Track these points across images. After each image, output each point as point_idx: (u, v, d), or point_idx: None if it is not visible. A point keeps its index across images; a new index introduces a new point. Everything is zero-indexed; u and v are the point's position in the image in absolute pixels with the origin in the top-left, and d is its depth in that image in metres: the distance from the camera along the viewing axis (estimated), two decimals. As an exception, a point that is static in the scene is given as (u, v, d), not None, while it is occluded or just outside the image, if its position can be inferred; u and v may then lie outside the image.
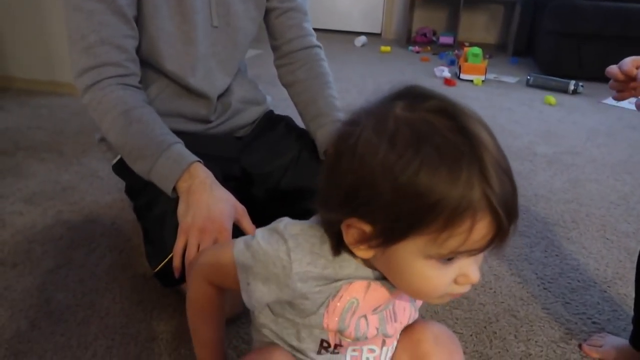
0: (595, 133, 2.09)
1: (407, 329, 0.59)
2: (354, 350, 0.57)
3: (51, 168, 1.57)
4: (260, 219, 0.98)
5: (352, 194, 0.45)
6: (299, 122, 1.16)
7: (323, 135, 1.04)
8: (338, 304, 0.52)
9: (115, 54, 0.90)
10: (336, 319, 0.52)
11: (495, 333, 0.94)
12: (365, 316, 0.54)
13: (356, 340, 0.55)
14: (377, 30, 4.32)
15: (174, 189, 0.88)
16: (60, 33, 2.29)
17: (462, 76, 2.86)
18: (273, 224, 0.54)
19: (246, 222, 0.90)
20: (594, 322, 0.98)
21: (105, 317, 0.94)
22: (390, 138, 0.43)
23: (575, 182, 1.61)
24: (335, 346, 0.55)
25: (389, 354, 0.59)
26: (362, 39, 3.87)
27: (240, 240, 0.55)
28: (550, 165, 1.73)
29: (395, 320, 0.57)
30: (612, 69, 0.77)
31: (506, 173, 0.43)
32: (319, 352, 0.56)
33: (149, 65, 0.99)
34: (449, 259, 0.45)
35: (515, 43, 3.64)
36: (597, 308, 1.03)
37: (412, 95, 0.46)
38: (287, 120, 1.20)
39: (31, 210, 1.31)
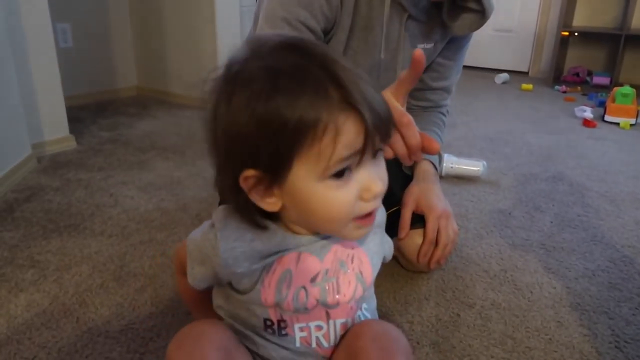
0: None
1: (352, 327, 0.58)
2: (301, 330, 0.57)
3: (170, 165, 1.80)
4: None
5: (229, 149, 0.48)
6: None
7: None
8: (272, 277, 0.54)
9: None
10: (272, 291, 0.54)
11: (535, 381, 0.83)
12: (304, 288, 0.55)
13: (296, 312, 0.55)
14: (525, 69, 4.10)
15: None
16: (211, 55, 2.63)
17: (607, 118, 2.56)
18: None
19: None
20: (671, 397, 0.81)
21: (158, 288, 1.05)
22: (243, 83, 0.46)
23: None
24: (279, 323, 0.56)
25: (339, 330, 0.58)
26: (504, 76, 3.70)
27: (193, 232, 0.60)
28: (684, 220, 1.46)
29: (339, 292, 0.57)
30: None
31: (362, 78, 0.46)
32: (265, 330, 0.58)
33: None
34: (340, 174, 0.47)
35: (688, 87, 3.15)
36: (683, 383, 0.84)
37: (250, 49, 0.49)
38: None
39: (141, 197, 1.53)
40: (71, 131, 2.02)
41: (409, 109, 1.20)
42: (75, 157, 1.87)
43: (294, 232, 0.54)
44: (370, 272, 0.60)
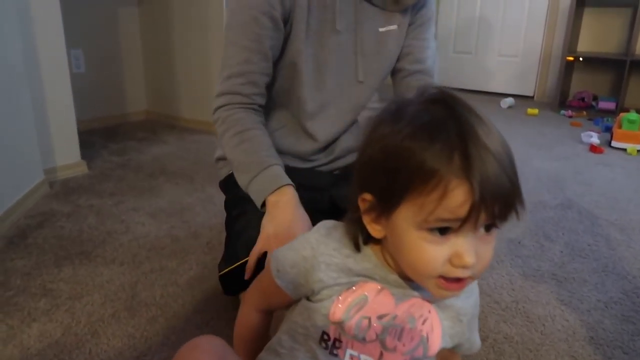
0: None
1: None
2: (351, 358, 0.58)
3: (180, 191, 1.81)
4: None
5: (360, 168, 0.54)
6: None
7: None
8: (349, 295, 0.56)
9: (248, 88, 1.04)
10: (343, 308, 0.56)
11: (551, 419, 0.82)
12: (369, 319, 0.56)
13: (354, 337, 0.56)
14: (530, 93, 4.12)
15: (264, 204, 0.96)
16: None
17: (614, 144, 2.57)
18: None
19: None
20: None
21: (170, 318, 1.05)
22: (393, 120, 0.51)
23: None
24: (335, 341, 0.57)
25: None
26: (509, 100, 3.72)
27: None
28: (696, 250, 1.45)
29: (399, 340, 0.57)
30: None
31: (493, 155, 0.47)
32: (319, 343, 0.58)
33: (277, 100, 1.12)
34: (441, 232, 0.48)
35: (695, 112, 3.15)
36: (701, 421, 0.83)
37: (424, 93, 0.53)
38: None
39: (152, 223, 1.54)
40: (82, 156, 2.04)
41: None
42: (87, 183, 1.89)
43: (388, 265, 0.57)
44: (438, 344, 0.60)
